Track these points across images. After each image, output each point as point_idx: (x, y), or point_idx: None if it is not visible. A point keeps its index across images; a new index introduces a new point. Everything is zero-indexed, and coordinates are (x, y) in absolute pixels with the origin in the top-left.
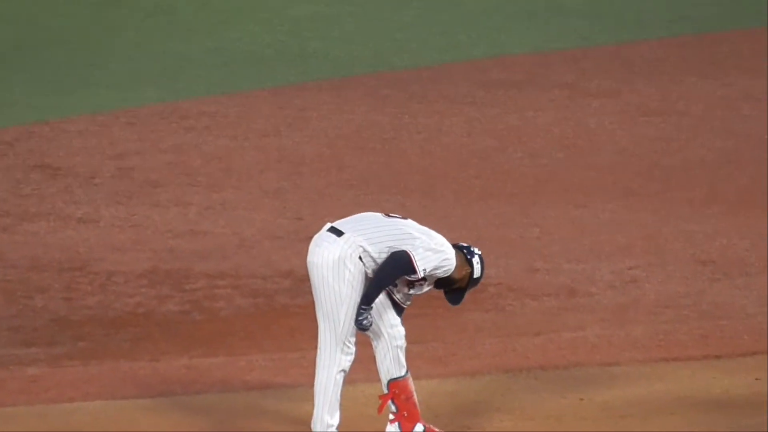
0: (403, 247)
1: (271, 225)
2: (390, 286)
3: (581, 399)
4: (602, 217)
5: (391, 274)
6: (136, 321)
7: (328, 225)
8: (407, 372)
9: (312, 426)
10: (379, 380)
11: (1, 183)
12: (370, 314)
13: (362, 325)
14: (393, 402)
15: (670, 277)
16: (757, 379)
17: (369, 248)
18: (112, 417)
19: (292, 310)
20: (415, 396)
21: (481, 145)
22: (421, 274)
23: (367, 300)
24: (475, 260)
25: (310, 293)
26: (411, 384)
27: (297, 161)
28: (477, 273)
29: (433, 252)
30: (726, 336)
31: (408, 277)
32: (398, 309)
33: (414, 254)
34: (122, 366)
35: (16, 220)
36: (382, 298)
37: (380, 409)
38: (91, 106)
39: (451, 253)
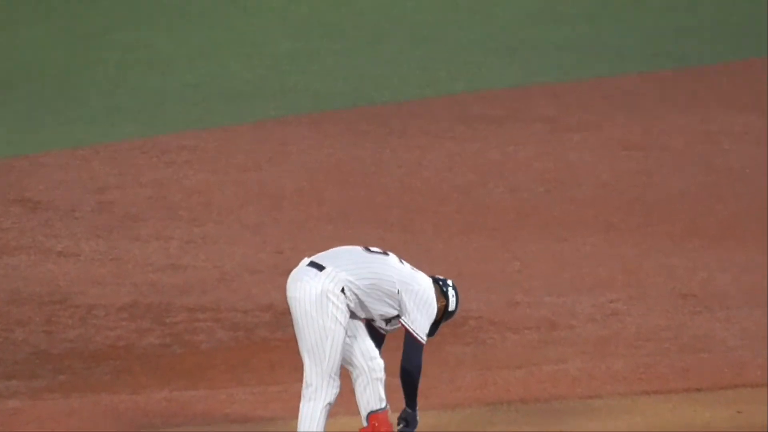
0: (387, 288)
1: (252, 259)
2: (370, 319)
3: None
4: (583, 250)
5: (414, 364)
6: (117, 354)
7: (307, 260)
8: (386, 405)
9: None
10: (359, 413)
11: None
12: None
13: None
14: None
15: (651, 311)
16: (738, 412)
17: (352, 283)
18: None
19: (273, 344)
20: (395, 427)
21: (461, 179)
22: (425, 341)
23: (413, 404)
24: (451, 293)
25: (291, 327)
26: (390, 418)
27: (277, 195)
28: (452, 306)
29: (418, 310)
30: (707, 369)
31: (384, 318)
32: (378, 341)
33: (412, 328)
34: (103, 399)
35: None
36: (361, 329)
37: None
38: (70, 141)
39: (432, 293)
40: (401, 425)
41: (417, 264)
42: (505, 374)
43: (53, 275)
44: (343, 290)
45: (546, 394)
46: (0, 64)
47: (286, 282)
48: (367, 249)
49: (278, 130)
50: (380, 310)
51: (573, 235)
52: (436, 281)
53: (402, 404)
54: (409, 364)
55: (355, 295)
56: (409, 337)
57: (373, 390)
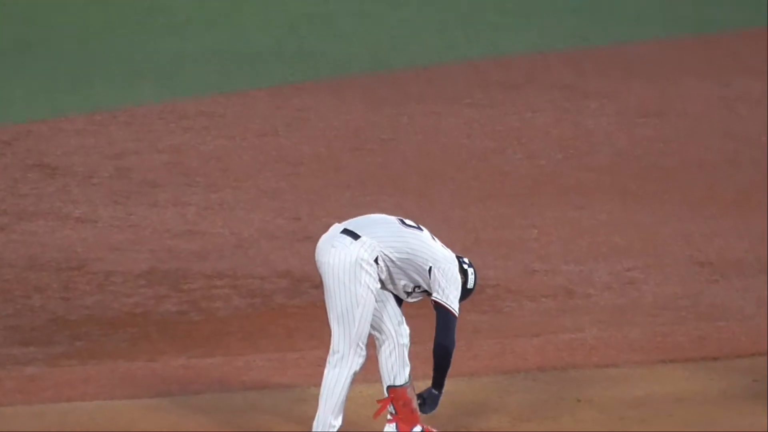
0: (421, 265)
1: (269, 225)
2: (391, 289)
3: (579, 400)
4: (600, 218)
5: (450, 339)
6: (134, 321)
7: (339, 226)
8: (409, 378)
9: (314, 426)
10: (377, 381)
11: None
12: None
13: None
14: (392, 404)
15: (667, 279)
16: (754, 380)
17: (386, 255)
18: (110, 417)
19: (290, 311)
20: (415, 401)
21: (479, 146)
22: (458, 315)
23: (439, 385)
24: (471, 271)
25: (308, 293)
26: (411, 391)
27: (295, 161)
28: (470, 284)
29: (449, 285)
30: (723, 338)
31: (406, 290)
32: (399, 305)
33: (446, 303)
34: (120, 366)
35: (13, 219)
36: (389, 295)
37: (377, 413)
38: (88, 106)
39: (457, 271)
40: (419, 401)
41: (434, 231)
42: (522, 342)
43: (71, 241)
44: (376, 260)
45: (563, 363)
46: (18, 28)
47: (303, 248)
48: (403, 222)
49: (296, 95)
50: (405, 282)
51: (590, 203)
52: (457, 258)
53: (417, 372)
54: (445, 339)
55: (387, 266)
56: (444, 312)
57: (399, 355)
